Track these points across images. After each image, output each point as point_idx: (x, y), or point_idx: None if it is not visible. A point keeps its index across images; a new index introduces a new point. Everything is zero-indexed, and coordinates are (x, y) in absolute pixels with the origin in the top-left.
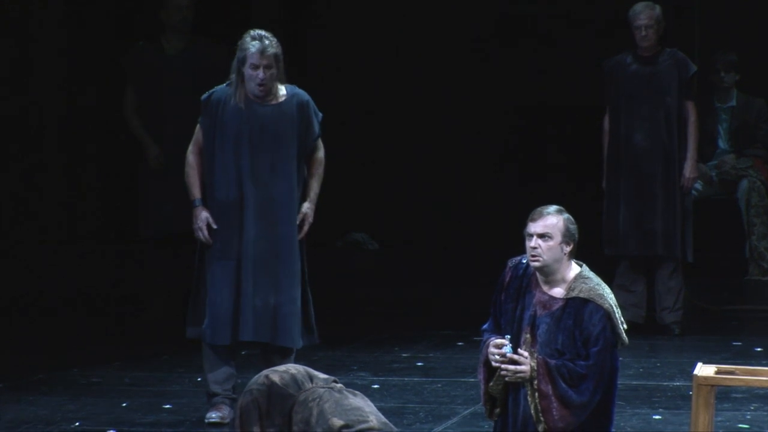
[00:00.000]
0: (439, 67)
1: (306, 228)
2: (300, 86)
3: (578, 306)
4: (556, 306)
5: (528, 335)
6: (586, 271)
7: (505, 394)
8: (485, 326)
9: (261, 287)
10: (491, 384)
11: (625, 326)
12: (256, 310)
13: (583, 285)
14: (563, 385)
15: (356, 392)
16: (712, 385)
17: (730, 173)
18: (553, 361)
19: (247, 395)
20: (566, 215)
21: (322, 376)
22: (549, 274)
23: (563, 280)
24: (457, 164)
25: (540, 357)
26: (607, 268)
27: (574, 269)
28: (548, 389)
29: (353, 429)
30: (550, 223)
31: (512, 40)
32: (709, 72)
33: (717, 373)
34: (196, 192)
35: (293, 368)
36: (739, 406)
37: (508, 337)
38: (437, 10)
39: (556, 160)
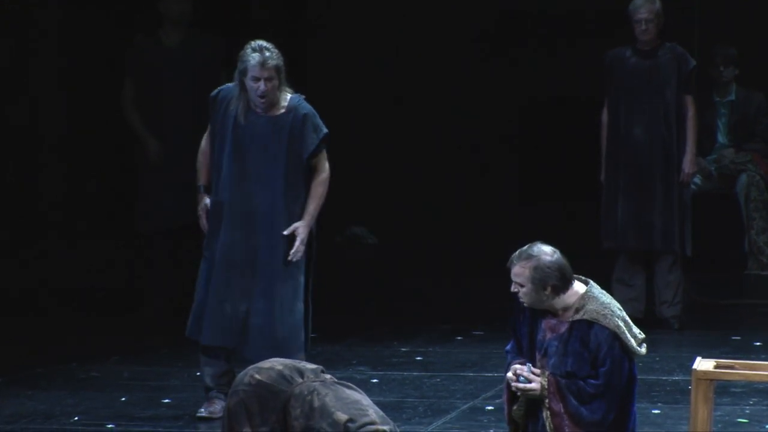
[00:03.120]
0: (439, 63)
1: (296, 245)
2: (299, 82)
3: (584, 328)
4: (563, 329)
5: (540, 359)
6: (592, 289)
7: (526, 419)
8: (508, 347)
9: (232, 293)
10: (514, 408)
11: (641, 336)
12: (223, 315)
13: (588, 306)
14: (574, 402)
15: (349, 384)
16: (711, 380)
17: (729, 167)
18: (563, 380)
19: (234, 396)
20: (533, 262)
21: (309, 367)
22: (547, 308)
23: (567, 308)
24: (457, 159)
25: (551, 376)
26: (606, 263)
27: (576, 292)
28: (559, 407)
29: (357, 423)
30: (516, 272)
31: (513, 38)
32: (709, 66)
33: (716, 367)
34: (202, 178)
35: (278, 364)
36: (738, 400)
37: (530, 364)
38: (437, 9)
39: (557, 155)
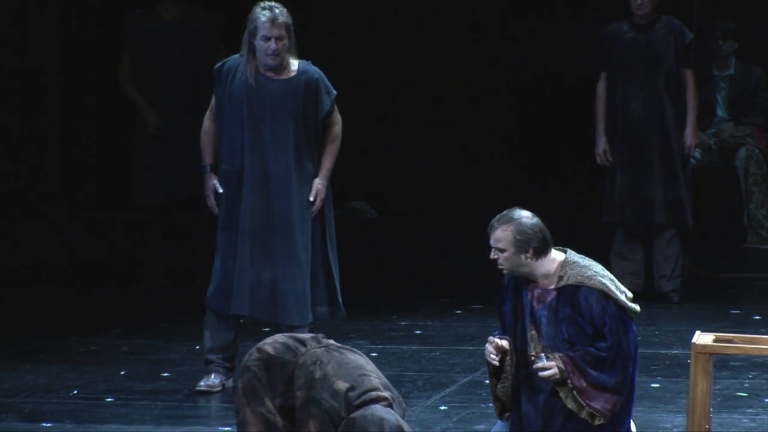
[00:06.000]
0: (438, 37)
1: (318, 203)
2: (298, 49)
3: (570, 293)
4: (550, 297)
5: (533, 331)
6: (571, 255)
7: (511, 395)
8: (496, 333)
9: (258, 262)
10: (498, 386)
11: (629, 294)
12: (252, 285)
13: (570, 271)
14: (593, 372)
15: (353, 348)
16: (711, 353)
17: (729, 141)
18: (575, 353)
19: (246, 373)
20: (515, 225)
21: (308, 336)
22: (526, 275)
23: (547, 275)
24: (456, 133)
25: (563, 355)
26: (605, 238)
27: (555, 260)
28: (582, 383)
29: (358, 391)
30: (498, 236)
31: (512, 14)
32: (708, 40)
33: (715, 341)
34: (207, 158)
35: (280, 337)
36: (737, 374)
37: (543, 355)
38: None
39: (557, 130)
